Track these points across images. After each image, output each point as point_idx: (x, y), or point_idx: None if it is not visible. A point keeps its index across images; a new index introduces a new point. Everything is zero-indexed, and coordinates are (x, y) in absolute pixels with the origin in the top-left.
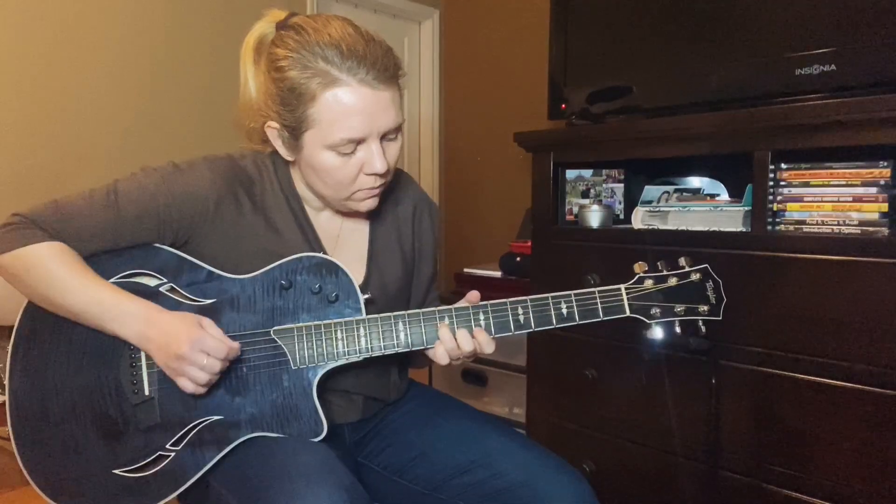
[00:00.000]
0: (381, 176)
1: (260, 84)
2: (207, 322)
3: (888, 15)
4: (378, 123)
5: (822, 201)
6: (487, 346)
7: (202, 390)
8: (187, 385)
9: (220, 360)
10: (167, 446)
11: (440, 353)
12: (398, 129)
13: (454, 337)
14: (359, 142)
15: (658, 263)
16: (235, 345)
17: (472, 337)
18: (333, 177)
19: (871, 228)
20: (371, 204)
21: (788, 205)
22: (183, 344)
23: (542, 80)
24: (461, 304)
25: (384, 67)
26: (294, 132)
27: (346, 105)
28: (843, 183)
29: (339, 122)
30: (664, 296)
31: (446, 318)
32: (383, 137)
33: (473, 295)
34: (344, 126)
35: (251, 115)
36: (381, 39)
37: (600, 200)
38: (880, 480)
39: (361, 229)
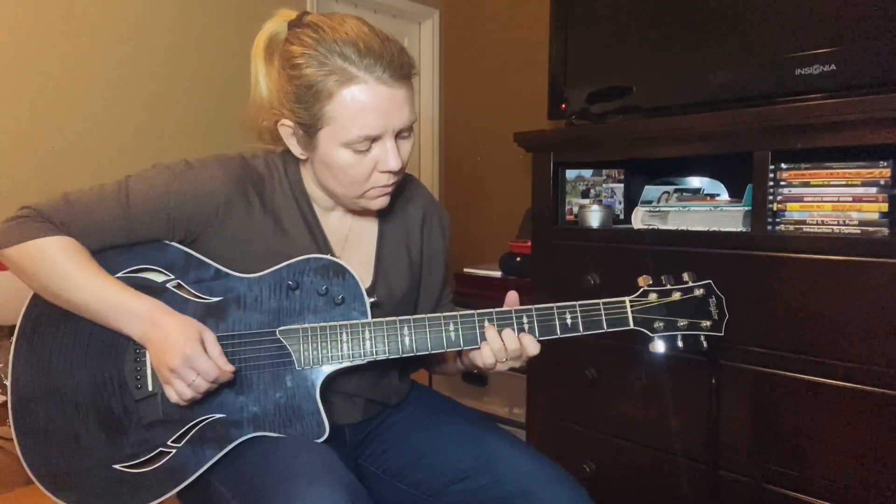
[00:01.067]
0: (394, 174)
1: (273, 82)
2: (209, 338)
3: (888, 15)
4: (393, 121)
5: (822, 201)
6: (532, 347)
7: (185, 403)
8: (171, 395)
9: (209, 382)
10: (168, 443)
11: (486, 354)
12: (411, 128)
13: (500, 337)
14: (374, 139)
15: (662, 277)
16: (229, 368)
17: (518, 338)
18: (348, 174)
19: (871, 228)
20: (383, 202)
21: (788, 205)
22: (175, 357)
23: (542, 80)
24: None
25: (399, 66)
26: (309, 130)
27: (363, 102)
28: (843, 183)
29: (356, 119)
30: (668, 310)
31: (451, 324)
32: (397, 135)
33: (512, 296)
34: (360, 123)
35: (263, 114)
36: (395, 38)
37: (600, 200)
38: (880, 480)
39: (370, 231)
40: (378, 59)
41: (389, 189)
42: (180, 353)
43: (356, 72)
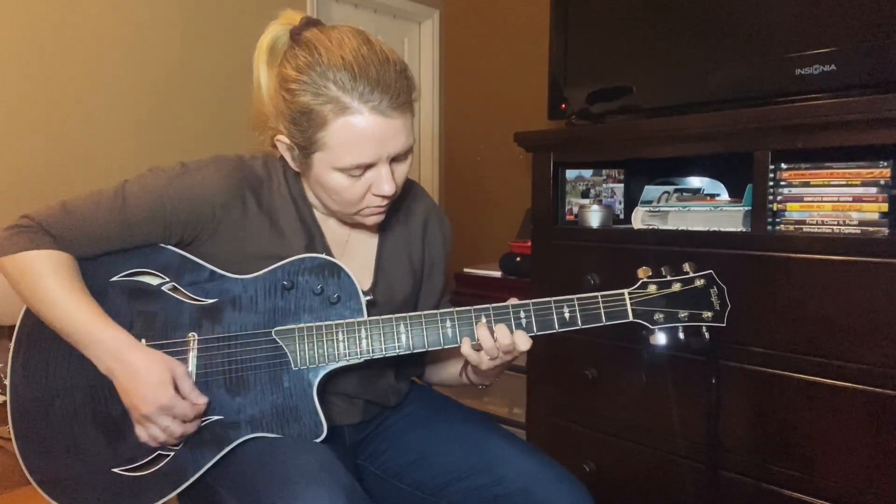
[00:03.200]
0: (388, 197)
1: (271, 95)
2: (181, 374)
3: (888, 15)
4: (388, 149)
5: (822, 201)
6: (523, 343)
7: (155, 445)
8: (142, 436)
9: (184, 423)
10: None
11: (484, 349)
12: (408, 151)
13: (492, 335)
14: (369, 165)
15: (662, 269)
16: (202, 401)
17: (511, 333)
18: (342, 196)
19: (871, 228)
20: (377, 220)
21: (788, 205)
22: (149, 405)
23: (542, 80)
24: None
25: (397, 94)
26: (304, 151)
27: (356, 132)
28: (843, 183)
29: (349, 148)
30: (668, 301)
31: (448, 321)
32: (393, 160)
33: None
34: (353, 152)
35: (262, 124)
36: (397, 59)
37: (600, 200)
38: (881, 480)
39: (370, 237)
40: (374, 86)
41: (383, 209)
42: (153, 403)
43: (350, 101)
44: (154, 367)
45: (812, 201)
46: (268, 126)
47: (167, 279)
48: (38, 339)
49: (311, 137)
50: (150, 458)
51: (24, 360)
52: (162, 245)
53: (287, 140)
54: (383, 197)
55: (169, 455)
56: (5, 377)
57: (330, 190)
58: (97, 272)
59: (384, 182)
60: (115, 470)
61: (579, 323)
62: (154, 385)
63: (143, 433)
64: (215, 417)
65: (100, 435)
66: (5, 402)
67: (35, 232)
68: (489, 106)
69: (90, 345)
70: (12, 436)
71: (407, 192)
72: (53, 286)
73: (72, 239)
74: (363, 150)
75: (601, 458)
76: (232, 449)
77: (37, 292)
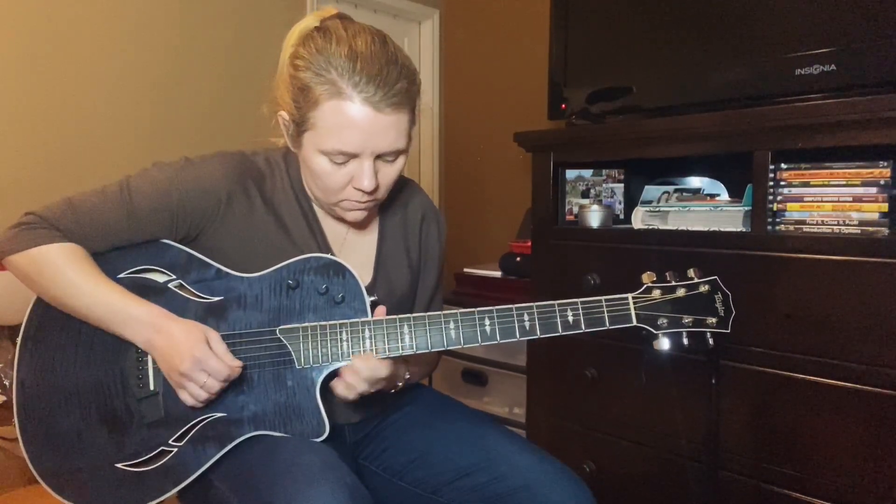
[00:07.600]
0: (368, 193)
1: (282, 71)
2: (214, 337)
3: (888, 15)
4: (373, 144)
5: (822, 201)
6: (381, 369)
7: (200, 405)
8: (187, 399)
9: (220, 381)
10: (170, 442)
11: (347, 382)
12: (398, 153)
13: (353, 370)
14: (352, 156)
15: (667, 273)
16: (236, 363)
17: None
18: (323, 181)
19: (871, 228)
20: (357, 216)
21: (788, 205)
22: (185, 361)
23: (542, 80)
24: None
25: (395, 93)
26: (297, 128)
27: (343, 118)
28: (843, 183)
29: (334, 132)
30: (672, 306)
31: (451, 322)
32: (379, 157)
33: (380, 310)
34: (337, 137)
35: (274, 102)
36: (408, 63)
37: (600, 200)
38: (880, 480)
39: (370, 233)
40: (371, 80)
41: (364, 206)
42: (189, 356)
43: (344, 87)
44: (190, 330)
45: (812, 201)
46: (275, 103)
47: (174, 276)
48: (47, 332)
49: (305, 115)
50: (153, 453)
51: (31, 352)
52: (169, 242)
53: (286, 115)
54: (363, 192)
55: (172, 451)
56: (5, 377)
57: (314, 173)
58: (104, 269)
59: (364, 177)
60: (119, 465)
61: (583, 326)
62: (187, 343)
63: (185, 396)
64: (218, 414)
65: (104, 430)
66: (5, 402)
67: (42, 227)
68: (489, 106)
69: (126, 323)
70: (18, 431)
71: (403, 189)
72: (75, 276)
73: (79, 234)
74: (347, 137)
75: (601, 458)
76: (234, 446)
77: (60, 283)
